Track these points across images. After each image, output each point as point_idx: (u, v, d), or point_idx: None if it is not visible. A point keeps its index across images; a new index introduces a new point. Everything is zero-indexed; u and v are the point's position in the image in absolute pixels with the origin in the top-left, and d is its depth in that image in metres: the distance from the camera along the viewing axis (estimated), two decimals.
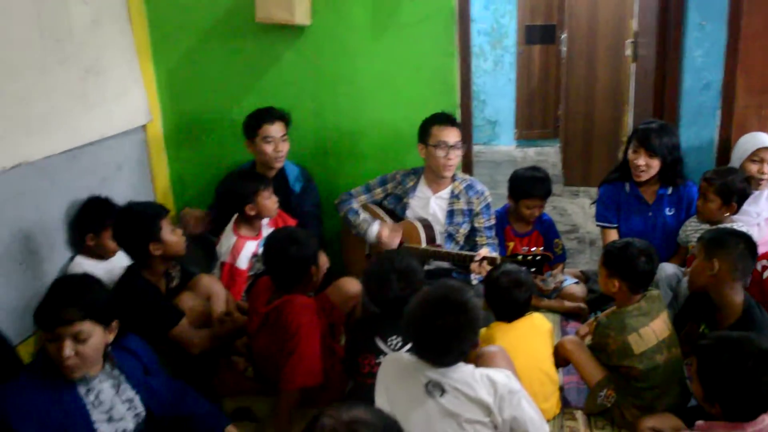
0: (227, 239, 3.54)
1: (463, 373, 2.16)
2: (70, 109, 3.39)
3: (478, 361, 2.45)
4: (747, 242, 2.69)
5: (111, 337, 2.26)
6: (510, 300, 2.86)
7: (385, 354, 2.67)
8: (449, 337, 2.11)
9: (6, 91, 2.98)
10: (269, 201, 3.52)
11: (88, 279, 2.34)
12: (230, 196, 3.59)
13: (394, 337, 2.73)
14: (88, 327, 2.13)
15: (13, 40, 3.04)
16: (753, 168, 3.45)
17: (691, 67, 3.85)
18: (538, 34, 7.69)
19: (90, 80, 3.55)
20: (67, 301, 2.13)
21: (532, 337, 2.88)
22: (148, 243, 2.94)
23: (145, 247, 2.94)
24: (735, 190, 3.28)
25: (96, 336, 2.16)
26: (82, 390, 2.19)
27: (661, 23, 4.02)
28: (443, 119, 3.59)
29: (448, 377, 2.14)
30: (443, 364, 2.16)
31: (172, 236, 3.01)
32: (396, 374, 2.24)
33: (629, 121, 5.76)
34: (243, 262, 3.50)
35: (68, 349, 2.09)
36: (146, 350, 2.45)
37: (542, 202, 3.93)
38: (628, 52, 5.43)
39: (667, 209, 3.63)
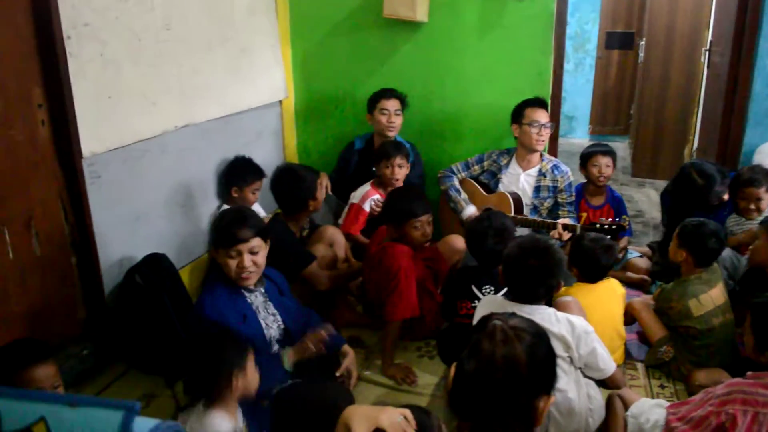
0: (363, 188, 3.77)
1: (547, 313, 2.24)
2: (227, 83, 3.60)
3: (556, 308, 2.54)
4: None
5: (266, 253, 2.45)
6: (596, 263, 2.87)
7: (479, 299, 2.79)
8: (538, 274, 2.23)
9: (183, 65, 3.21)
10: (387, 170, 3.67)
11: (247, 208, 2.58)
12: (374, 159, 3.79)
13: (487, 286, 2.85)
14: (258, 242, 2.35)
15: (190, 24, 3.26)
16: None
17: (762, 73, 3.82)
18: (618, 41, 7.54)
19: (243, 59, 3.73)
20: (241, 224, 2.33)
21: (608, 298, 2.92)
22: (308, 199, 3.17)
23: (304, 202, 3.18)
24: None
25: (263, 249, 2.39)
26: (249, 299, 2.41)
27: (737, 32, 3.98)
28: (535, 102, 3.65)
29: (534, 316, 2.17)
30: (532, 301, 2.25)
31: (321, 194, 3.24)
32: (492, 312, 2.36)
33: (697, 122, 5.70)
34: (367, 205, 3.73)
35: (248, 260, 2.31)
36: (281, 278, 2.63)
37: (606, 159, 3.98)
38: (703, 59, 5.36)
39: (723, 210, 3.64)
